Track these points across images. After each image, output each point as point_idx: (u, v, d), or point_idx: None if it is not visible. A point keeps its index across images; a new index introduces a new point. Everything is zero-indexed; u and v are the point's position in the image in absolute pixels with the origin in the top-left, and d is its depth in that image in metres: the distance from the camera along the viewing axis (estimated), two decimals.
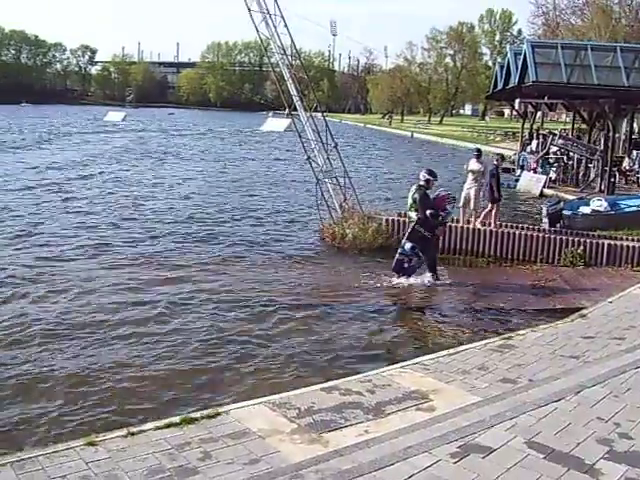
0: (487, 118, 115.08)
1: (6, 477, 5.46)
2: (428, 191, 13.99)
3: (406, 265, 14.06)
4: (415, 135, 79.47)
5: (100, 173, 31.41)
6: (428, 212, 13.68)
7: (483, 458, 5.74)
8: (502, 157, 20.40)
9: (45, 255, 15.20)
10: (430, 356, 8.91)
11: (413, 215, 14.03)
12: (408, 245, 13.95)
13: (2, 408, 7.75)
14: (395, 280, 13.89)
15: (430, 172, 14.18)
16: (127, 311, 11.42)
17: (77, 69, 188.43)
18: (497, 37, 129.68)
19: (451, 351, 9.12)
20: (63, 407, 7.85)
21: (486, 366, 8.36)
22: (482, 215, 16.74)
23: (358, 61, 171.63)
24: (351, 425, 6.56)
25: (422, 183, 13.97)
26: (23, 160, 37.05)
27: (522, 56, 29.18)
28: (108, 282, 13.16)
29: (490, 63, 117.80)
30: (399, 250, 14.12)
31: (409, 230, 14.13)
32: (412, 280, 13.88)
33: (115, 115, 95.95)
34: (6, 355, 9.28)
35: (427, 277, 13.99)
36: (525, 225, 17.15)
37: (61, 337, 10.11)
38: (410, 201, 14.11)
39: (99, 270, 14.08)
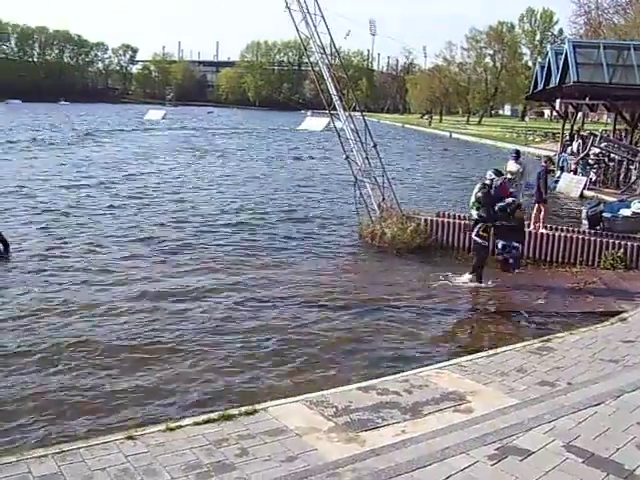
0: (527, 119, 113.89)
1: (48, 468, 5.56)
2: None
3: (511, 261, 14.20)
4: (454, 135, 79.03)
5: (144, 172, 31.57)
6: (497, 208, 13.65)
7: (521, 461, 5.71)
8: (550, 159, 20.15)
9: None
10: (468, 357, 8.88)
11: (474, 214, 13.94)
12: (500, 243, 13.96)
13: (44, 401, 7.87)
14: (442, 281, 13.88)
15: (497, 172, 14.12)
16: (167, 309, 11.54)
17: (118, 68, 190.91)
18: (537, 37, 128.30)
19: (489, 353, 9.09)
20: (104, 400, 7.95)
21: (524, 368, 8.30)
22: (532, 217, 16.56)
23: (397, 61, 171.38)
24: (388, 425, 6.56)
25: (487, 182, 13.90)
26: (70, 157, 37.77)
27: (563, 56, 28.89)
28: (153, 278, 13.34)
29: (530, 63, 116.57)
30: (497, 252, 14.20)
31: (497, 229, 14.06)
32: (457, 281, 13.88)
33: (155, 113, 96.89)
34: (48, 348, 9.45)
35: (466, 277, 13.94)
36: (565, 227, 16.95)
37: (103, 331, 10.25)
38: (473, 199, 14.02)
39: (147, 269, 14.21)
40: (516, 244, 13.99)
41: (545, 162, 17.74)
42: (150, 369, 8.88)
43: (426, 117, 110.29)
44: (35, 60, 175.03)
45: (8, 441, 6.94)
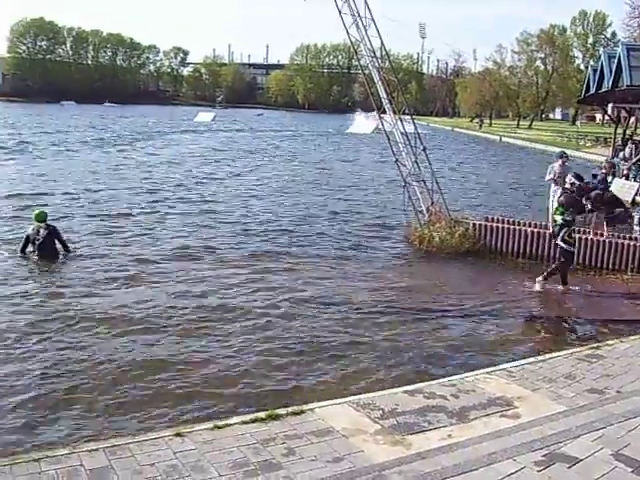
0: (578, 123, 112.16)
1: (99, 461, 5.71)
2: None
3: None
4: (504, 139, 78.32)
5: (203, 175, 31.85)
6: (587, 208, 13.83)
7: (569, 468, 5.68)
8: (613, 165, 19.85)
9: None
10: (516, 363, 8.83)
11: (558, 218, 13.85)
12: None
13: (97, 396, 8.04)
14: (492, 286, 13.85)
15: (577, 176, 14.08)
16: (219, 307, 11.67)
17: (169, 70, 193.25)
18: (590, 40, 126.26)
19: (537, 359, 9.02)
20: (153, 397, 8.10)
21: (573, 375, 8.23)
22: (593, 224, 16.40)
23: (447, 64, 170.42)
24: (435, 429, 6.57)
25: (567, 186, 13.86)
26: (127, 157, 38.85)
27: (616, 59, 28.45)
28: (204, 278, 13.51)
29: (582, 66, 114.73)
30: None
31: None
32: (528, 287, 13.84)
33: (205, 115, 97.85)
34: (107, 342, 9.65)
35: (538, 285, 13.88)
36: (616, 233, 16.70)
37: (156, 328, 10.44)
38: (556, 204, 13.99)
39: (199, 268, 14.38)
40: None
41: (605, 168, 17.46)
42: (198, 368, 9.01)
43: (476, 121, 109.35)
44: (89, 63, 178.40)
45: (61, 433, 7.12)
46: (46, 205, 19.75)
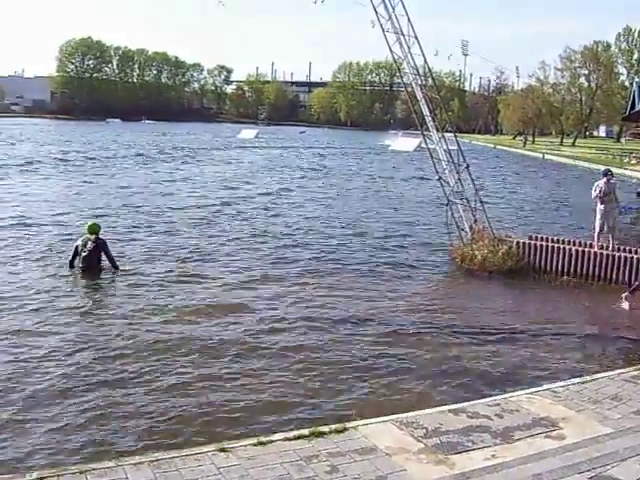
0: (623, 140, 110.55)
1: (144, 475, 5.80)
2: None
3: None
4: (547, 157, 77.59)
5: (252, 191, 32.18)
6: None
7: None
8: None
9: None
10: (560, 383, 8.73)
11: None
12: None
13: (142, 409, 8.14)
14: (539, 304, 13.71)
15: None
16: (258, 322, 11.75)
17: (213, 88, 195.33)
18: (635, 56, 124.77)
19: (583, 379, 8.90)
20: (198, 411, 8.16)
21: (619, 396, 8.10)
22: None
23: (489, 81, 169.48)
24: (478, 448, 6.53)
25: None
26: (176, 174, 39.55)
27: None
28: (241, 296, 13.58)
29: (627, 83, 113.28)
30: None
31: None
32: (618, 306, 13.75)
33: (248, 133, 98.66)
34: (149, 360, 9.76)
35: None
36: None
37: (199, 347, 10.51)
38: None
39: (234, 283, 14.48)
40: None
41: None
42: (242, 384, 9.06)
43: (520, 138, 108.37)
44: (134, 81, 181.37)
45: (107, 446, 7.21)
46: (102, 217, 20.02)
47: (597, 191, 16.13)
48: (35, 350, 9.91)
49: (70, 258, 14.82)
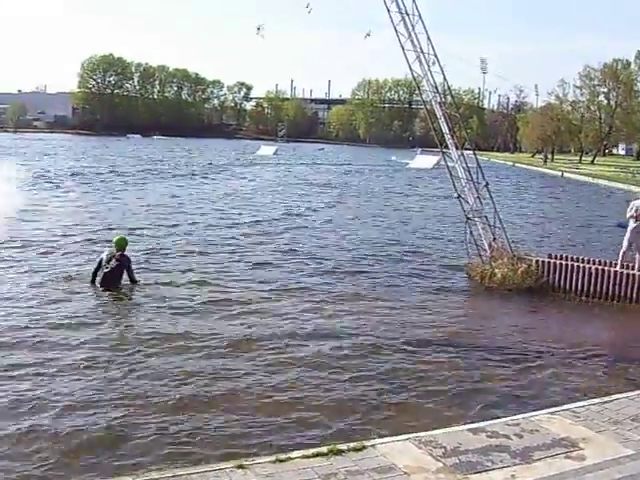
0: None
1: None
2: None
3: None
4: (566, 174, 77.27)
5: (267, 207, 32.31)
6: None
7: None
8: None
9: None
10: (581, 403, 8.67)
11: None
12: None
13: (160, 424, 8.16)
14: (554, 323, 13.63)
15: None
16: (275, 338, 11.77)
17: (233, 105, 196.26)
18: None
19: (603, 399, 8.84)
20: (216, 427, 8.18)
21: None
22: None
23: (508, 99, 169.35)
24: (498, 468, 6.50)
25: None
26: (199, 189, 40.04)
27: None
28: (269, 310, 13.65)
29: None
30: None
31: None
32: None
33: (267, 149, 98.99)
34: (167, 376, 9.79)
35: None
36: None
37: (219, 361, 10.56)
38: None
39: (254, 299, 14.50)
40: None
41: None
42: (260, 401, 9.07)
43: (540, 156, 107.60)
44: (155, 97, 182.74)
45: (126, 462, 7.23)
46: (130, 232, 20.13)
47: (633, 211, 16.10)
48: (52, 365, 9.99)
49: (93, 270, 14.82)
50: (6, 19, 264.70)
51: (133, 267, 15.03)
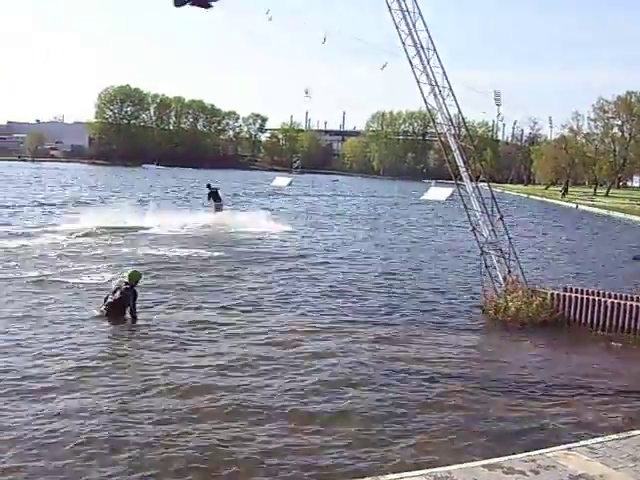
0: None
1: None
2: None
3: None
4: (580, 207, 77.14)
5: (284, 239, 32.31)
6: None
7: None
8: None
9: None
10: (598, 439, 8.56)
11: None
12: None
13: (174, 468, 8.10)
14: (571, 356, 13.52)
15: None
16: (302, 370, 11.80)
17: (248, 136, 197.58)
18: None
19: (620, 435, 8.73)
20: (225, 461, 8.13)
21: None
22: None
23: (522, 131, 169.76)
24: None
25: None
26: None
27: None
28: (280, 346, 13.59)
29: None
30: None
31: None
32: None
33: (282, 180, 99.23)
34: (183, 417, 9.76)
35: None
36: None
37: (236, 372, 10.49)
38: None
39: (275, 335, 14.44)
40: None
41: None
42: (271, 430, 9.03)
43: (558, 189, 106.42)
44: (171, 128, 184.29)
45: None
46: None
47: None
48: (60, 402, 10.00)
49: (104, 296, 14.91)
50: (26, 51, 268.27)
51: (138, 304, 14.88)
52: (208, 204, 38.50)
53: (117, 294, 14.58)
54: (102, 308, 14.68)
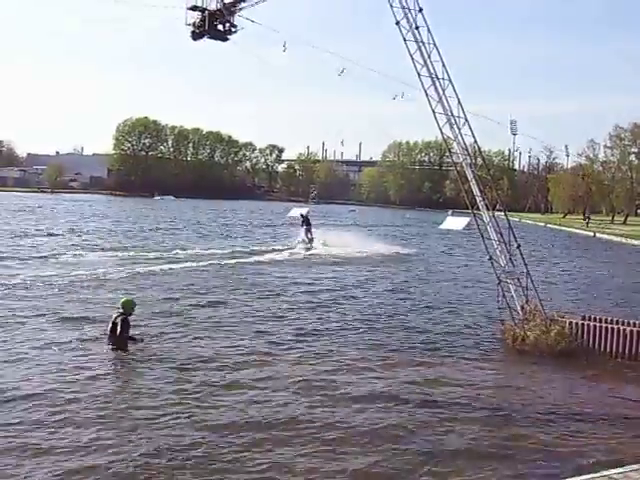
0: None
1: None
2: None
3: None
4: (598, 235, 76.85)
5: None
6: None
7: None
8: None
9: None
10: (618, 469, 8.50)
11: None
12: None
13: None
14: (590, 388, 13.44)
15: None
16: (307, 397, 11.78)
17: (265, 167, 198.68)
18: None
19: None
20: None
21: None
22: None
23: (538, 160, 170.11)
24: None
25: None
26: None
27: None
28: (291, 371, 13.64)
29: None
30: None
31: None
32: None
33: (299, 211, 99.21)
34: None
35: None
36: None
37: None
38: None
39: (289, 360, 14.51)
40: None
41: None
42: (280, 455, 9.04)
43: (584, 217, 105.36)
44: (188, 159, 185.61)
45: None
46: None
47: None
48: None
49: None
50: (48, 83, 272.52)
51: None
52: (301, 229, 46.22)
53: (109, 326, 14.77)
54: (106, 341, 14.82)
